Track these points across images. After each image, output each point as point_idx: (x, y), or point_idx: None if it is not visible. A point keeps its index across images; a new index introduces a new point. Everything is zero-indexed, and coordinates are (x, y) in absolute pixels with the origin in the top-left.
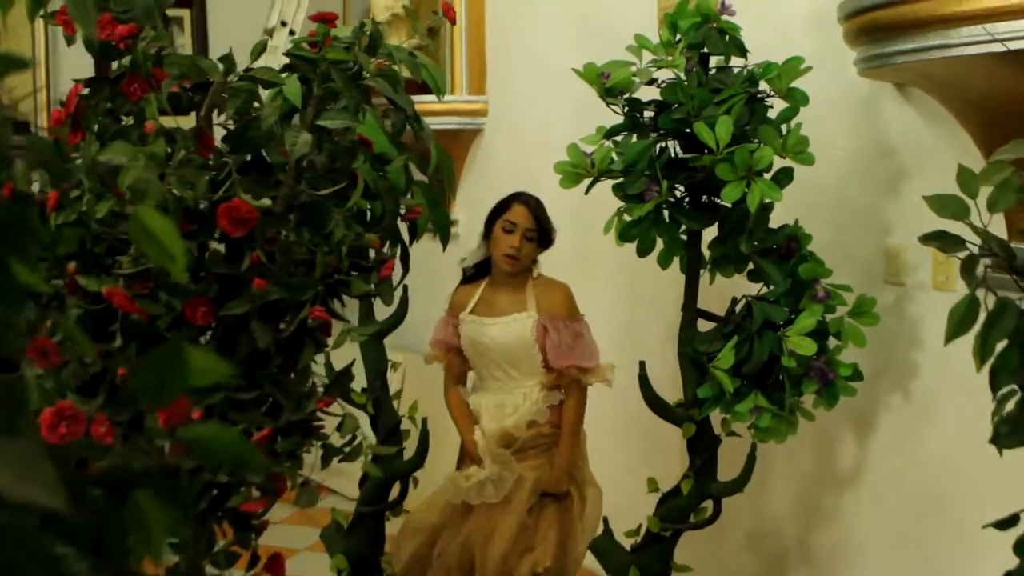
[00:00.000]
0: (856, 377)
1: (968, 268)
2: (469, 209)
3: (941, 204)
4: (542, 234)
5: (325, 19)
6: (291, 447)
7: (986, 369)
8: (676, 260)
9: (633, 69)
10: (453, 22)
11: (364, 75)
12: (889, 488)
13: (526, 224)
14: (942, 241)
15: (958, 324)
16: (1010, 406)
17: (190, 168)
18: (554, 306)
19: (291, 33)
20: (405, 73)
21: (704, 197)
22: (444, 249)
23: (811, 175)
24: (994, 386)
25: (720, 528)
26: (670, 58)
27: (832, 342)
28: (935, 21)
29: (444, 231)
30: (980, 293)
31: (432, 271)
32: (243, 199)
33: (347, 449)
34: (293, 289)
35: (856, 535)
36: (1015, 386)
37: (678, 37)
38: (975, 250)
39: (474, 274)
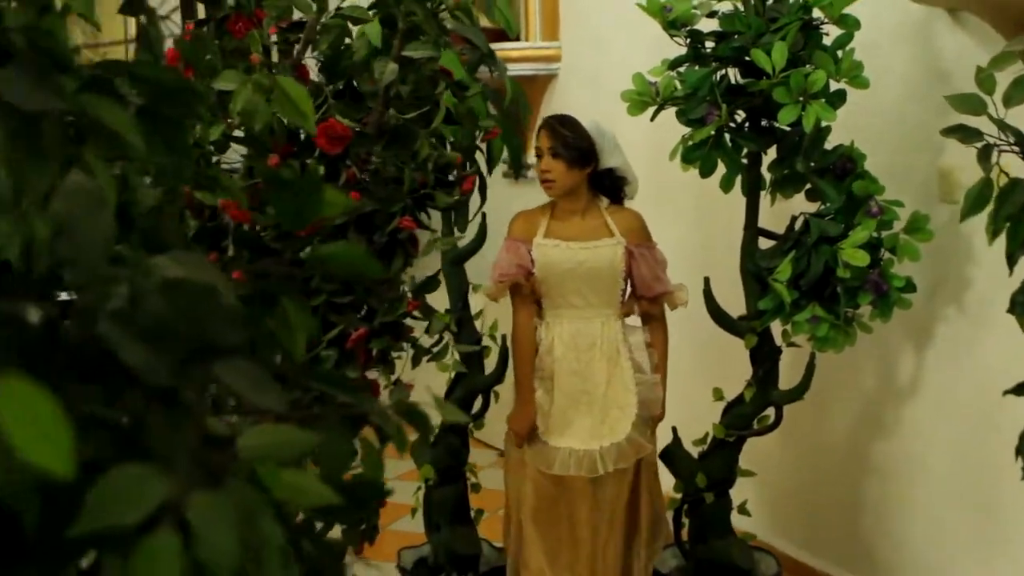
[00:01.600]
0: (909, 289)
1: (984, 156)
2: None
3: (961, 101)
4: (574, 151)
5: None
6: (384, 346)
7: None
8: (737, 183)
9: (694, 1)
10: None
11: (442, 12)
12: (946, 399)
13: (547, 144)
14: (961, 133)
15: (974, 203)
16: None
17: None
18: (636, 233)
19: None
20: (481, 20)
21: (763, 121)
22: (516, 176)
23: (868, 99)
24: (1010, 260)
25: (783, 436)
26: None
27: (888, 257)
28: None
29: (517, 157)
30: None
31: (506, 215)
32: (338, 120)
33: (435, 349)
34: (384, 202)
35: (915, 446)
36: None
37: None
38: (991, 140)
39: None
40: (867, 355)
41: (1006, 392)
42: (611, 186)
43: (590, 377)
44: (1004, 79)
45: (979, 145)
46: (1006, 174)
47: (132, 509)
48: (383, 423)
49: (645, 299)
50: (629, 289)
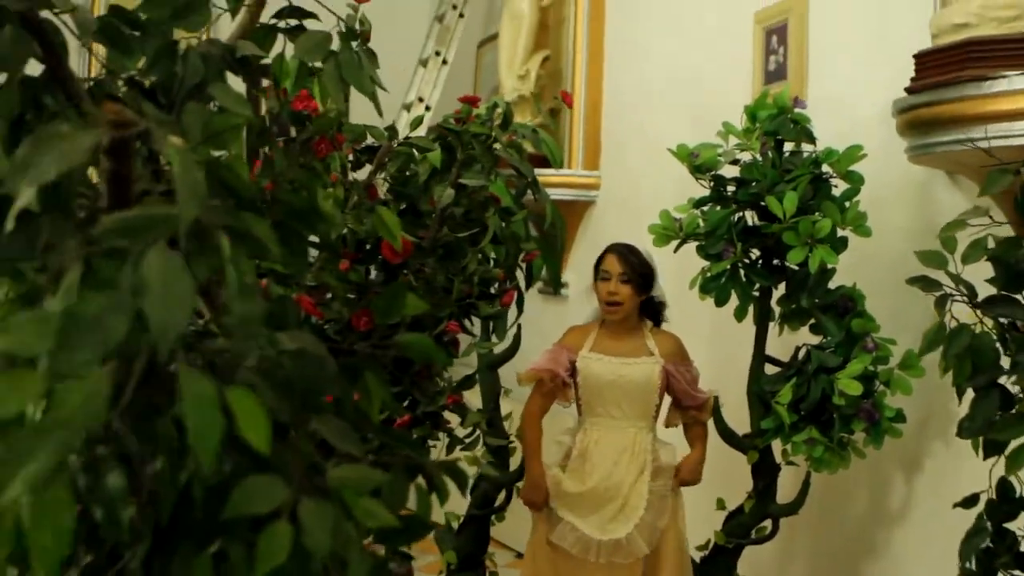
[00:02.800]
0: (900, 419)
1: (940, 303)
2: (578, 273)
3: (926, 257)
4: (640, 277)
5: (470, 101)
6: (424, 433)
7: None
8: (749, 313)
9: (719, 150)
10: (570, 106)
11: (495, 146)
12: (932, 525)
13: (617, 269)
14: (923, 283)
15: (929, 342)
16: (967, 406)
17: (362, 210)
18: (674, 354)
19: (427, 108)
20: (528, 147)
21: (774, 260)
22: (556, 291)
23: (871, 246)
24: (958, 391)
25: (779, 547)
26: (749, 143)
27: (881, 389)
28: (965, 119)
29: (555, 275)
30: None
31: (540, 328)
32: (402, 235)
33: (468, 440)
34: (434, 307)
35: (902, 568)
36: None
37: (756, 125)
38: (948, 291)
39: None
40: (860, 479)
41: (956, 505)
42: (654, 310)
43: (615, 479)
44: (965, 240)
45: (937, 294)
46: (956, 320)
47: (262, 504)
48: (433, 473)
49: (692, 408)
50: (669, 402)
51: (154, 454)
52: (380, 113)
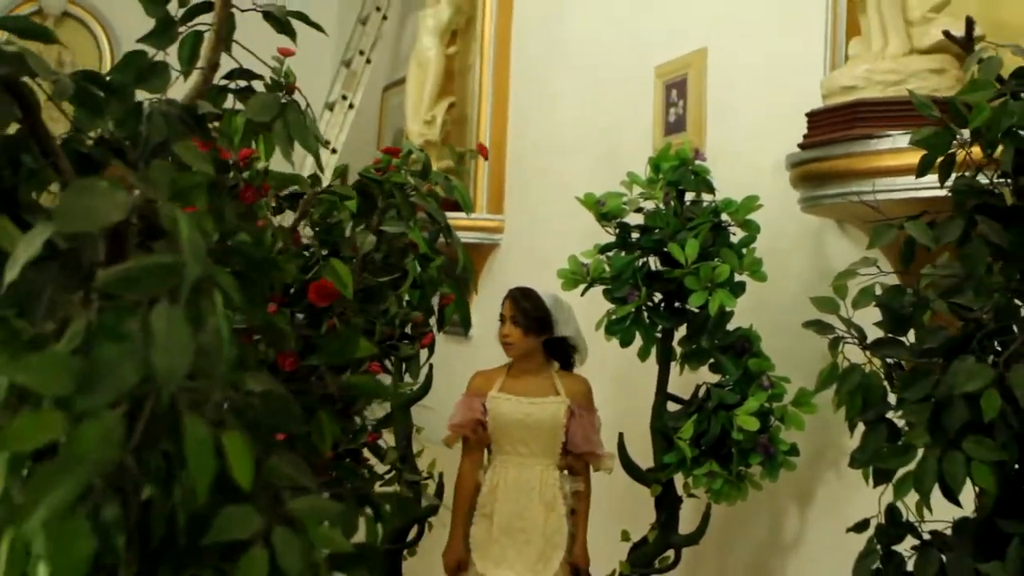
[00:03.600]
0: (794, 453)
1: (833, 345)
2: (482, 315)
3: (821, 303)
4: (532, 321)
5: (391, 152)
6: (345, 471)
7: None
8: (652, 354)
9: (624, 199)
10: (486, 158)
11: (412, 194)
12: (824, 553)
13: (509, 312)
14: (817, 327)
15: (824, 381)
16: (859, 438)
17: (287, 255)
18: (580, 396)
19: (333, 151)
20: (439, 192)
21: (676, 303)
22: (466, 332)
23: (766, 290)
24: (850, 425)
25: None
26: (653, 192)
27: (776, 424)
28: (853, 174)
29: (465, 318)
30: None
31: (448, 368)
32: (328, 279)
33: (387, 476)
34: (333, 357)
35: None
36: (861, 423)
37: (660, 175)
38: (840, 333)
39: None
40: (757, 510)
41: (848, 529)
42: (563, 352)
43: (529, 517)
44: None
45: (831, 336)
46: (848, 360)
47: (240, 531)
48: (379, 503)
49: (572, 455)
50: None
51: (145, 485)
52: (320, 168)
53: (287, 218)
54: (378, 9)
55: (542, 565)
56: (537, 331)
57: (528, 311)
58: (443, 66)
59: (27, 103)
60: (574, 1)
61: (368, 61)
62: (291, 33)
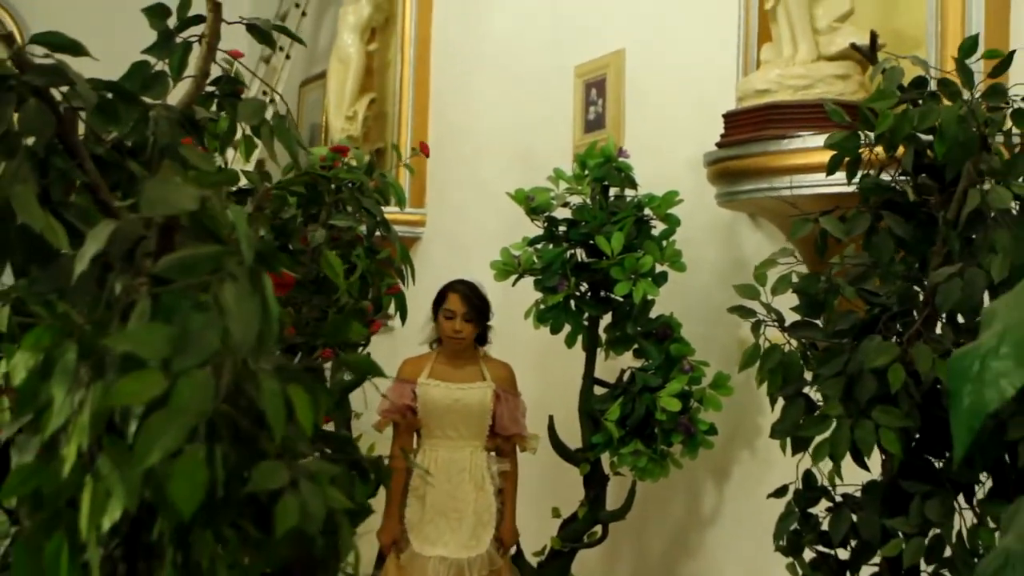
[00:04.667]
0: (712, 432)
1: (755, 328)
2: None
3: (743, 290)
4: (480, 315)
5: (339, 150)
6: (338, 440)
7: None
8: (579, 341)
9: (552, 194)
10: (427, 155)
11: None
12: (740, 525)
13: (462, 309)
14: (741, 311)
15: (747, 360)
16: (778, 412)
17: None
18: (505, 380)
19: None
20: None
21: (602, 292)
22: (403, 323)
23: (686, 280)
24: (771, 399)
25: (609, 551)
26: (579, 188)
27: (696, 406)
28: (767, 171)
29: (403, 308)
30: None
31: (374, 356)
32: (285, 271)
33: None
34: (311, 336)
35: (715, 563)
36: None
37: (586, 172)
38: (761, 317)
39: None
40: (678, 487)
41: (769, 495)
42: (482, 334)
43: (460, 497)
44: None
45: (753, 320)
46: (768, 341)
47: (274, 481)
48: (369, 468)
49: (500, 437)
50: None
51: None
52: (299, 166)
53: None
54: (297, 5)
55: (474, 542)
56: (480, 322)
57: (477, 306)
58: (363, 62)
59: (59, 112)
60: (494, 0)
61: (288, 56)
62: (272, 44)
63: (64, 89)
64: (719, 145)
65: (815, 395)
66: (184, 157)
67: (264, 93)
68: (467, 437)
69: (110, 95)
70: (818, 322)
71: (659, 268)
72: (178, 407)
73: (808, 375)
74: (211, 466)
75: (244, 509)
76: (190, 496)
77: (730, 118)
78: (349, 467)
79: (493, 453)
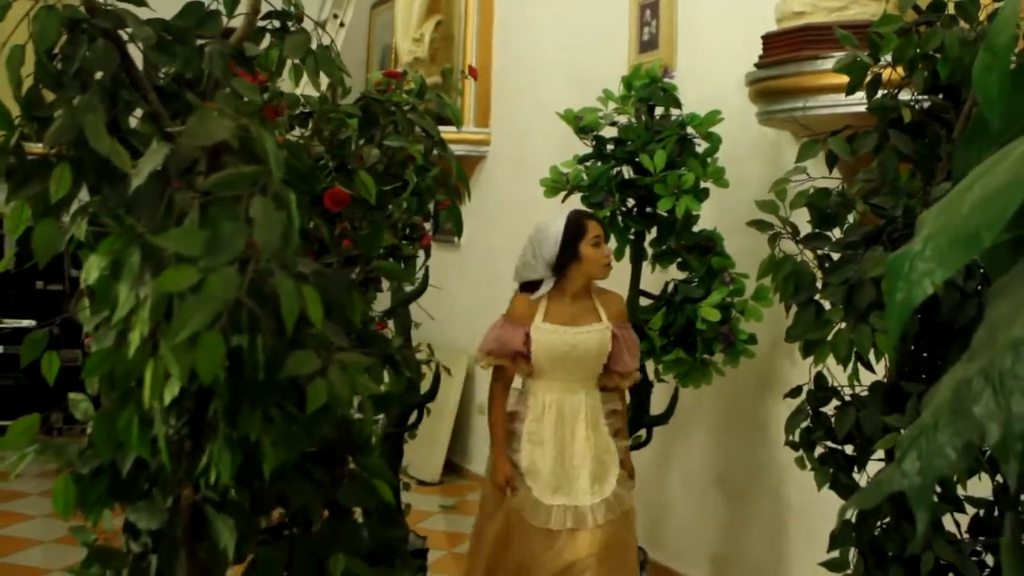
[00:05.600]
0: (752, 342)
1: (772, 240)
2: (471, 223)
3: (763, 205)
4: None
5: (393, 75)
6: (372, 337)
7: None
8: (626, 254)
9: (600, 114)
10: (476, 79)
11: (409, 112)
12: (780, 431)
13: (602, 235)
14: (759, 224)
15: (764, 269)
16: (792, 316)
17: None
18: (619, 315)
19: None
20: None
21: (647, 208)
22: (459, 237)
23: (728, 195)
24: (786, 307)
25: (657, 459)
26: (625, 108)
27: (737, 316)
28: (802, 90)
29: (458, 224)
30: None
31: (437, 271)
32: (341, 188)
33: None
34: (366, 248)
35: (754, 468)
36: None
37: (632, 92)
38: (778, 230)
39: (527, 289)
40: (721, 394)
41: (785, 395)
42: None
43: (576, 441)
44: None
45: (769, 233)
46: (784, 252)
47: (306, 367)
48: (400, 361)
49: (617, 373)
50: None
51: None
52: (342, 93)
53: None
54: None
55: (597, 487)
56: None
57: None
58: None
59: (124, 49)
60: None
61: None
62: None
63: (128, 30)
64: (758, 66)
65: (824, 302)
66: (235, 88)
67: (335, 16)
68: (581, 380)
69: (166, 34)
70: (830, 235)
71: (702, 184)
72: (207, 295)
73: (820, 284)
74: (252, 351)
75: (288, 394)
76: (210, 368)
77: (768, 40)
78: (383, 361)
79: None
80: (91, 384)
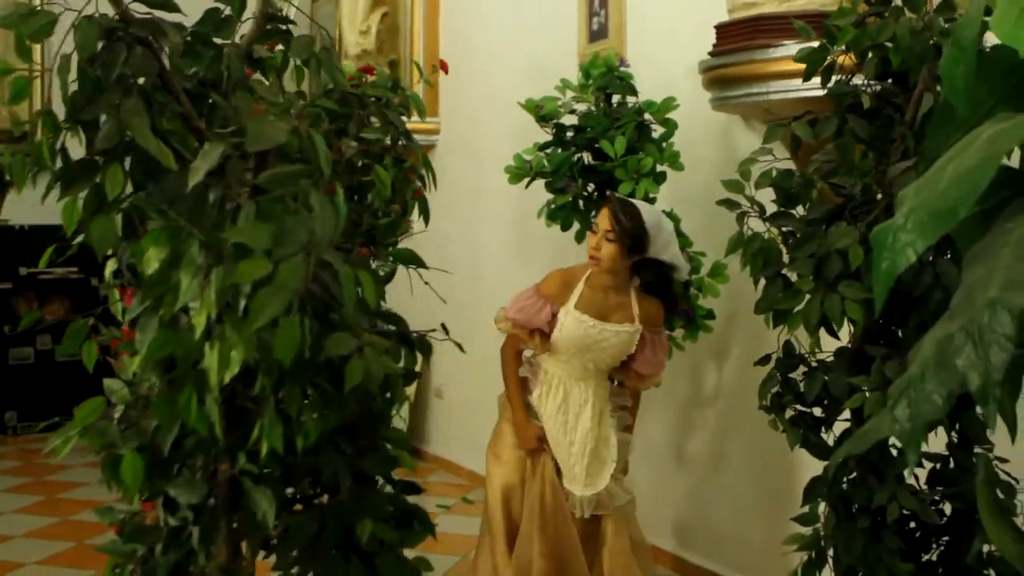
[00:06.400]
0: (710, 317)
1: (739, 219)
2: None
3: (729, 185)
4: (629, 239)
5: (366, 70)
6: (389, 318)
7: None
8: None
9: (559, 102)
10: (446, 72)
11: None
12: (739, 403)
13: (605, 225)
14: (727, 204)
15: (732, 246)
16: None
17: None
18: (654, 319)
19: None
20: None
21: (607, 191)
22: (427, 224)
23: (684, 178)
24: (755, 281)
25: None
26: (584, 96)
27: (695, 293)
28: (755, 77)
29: (426, 211)
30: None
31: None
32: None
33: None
34: (346, 237)
35: (716, 440)
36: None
37: (590, 81)
38: (745, 209)
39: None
40: (681, 369)
41: (755, 363)
42: (656, 276)
43: (579, 430)
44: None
45: (737, 212)
46: (751, 230)
47: (345, 348)
48: (415, 342)
49: (636, 373)
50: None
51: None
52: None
53: None
54: None
55: (589, 480)
56: (630, 251)
57: (627, 228)
58: None
59: (159, 56)
60: None
61: None
62: None
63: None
64: (711, 54)
65: (792, 276)
66: (252, 88)
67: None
68: (594, 371)
69: (191, 39)
70: (794, 212)
71: (659, 168)
72: (280, 284)
73: (786, 259)
74: (302, 332)
75: (321, 371)
76: (288, 351)
77: (722, 29)
78: (399, 340)
79: (616, 383)
80: (126, 370)
